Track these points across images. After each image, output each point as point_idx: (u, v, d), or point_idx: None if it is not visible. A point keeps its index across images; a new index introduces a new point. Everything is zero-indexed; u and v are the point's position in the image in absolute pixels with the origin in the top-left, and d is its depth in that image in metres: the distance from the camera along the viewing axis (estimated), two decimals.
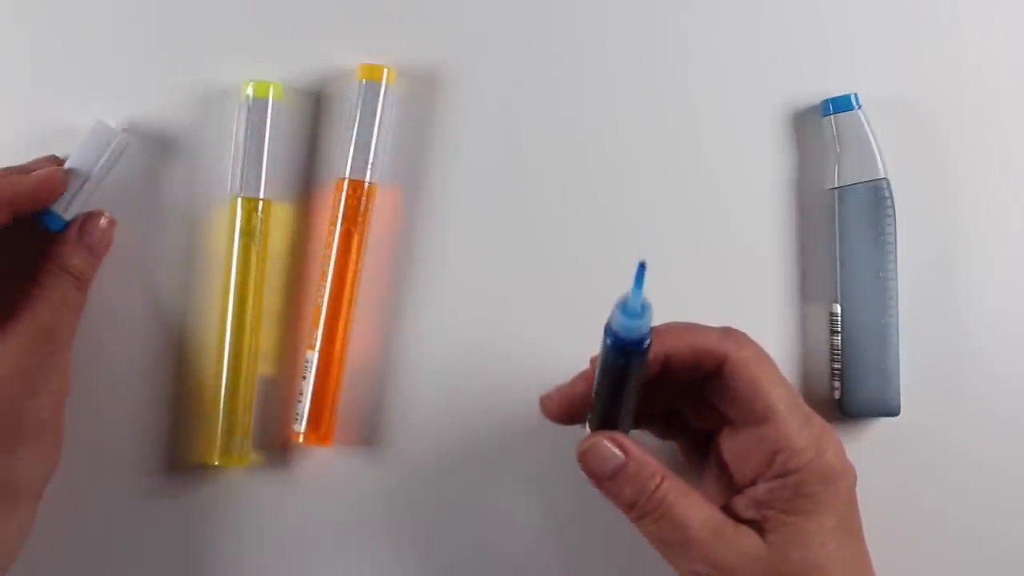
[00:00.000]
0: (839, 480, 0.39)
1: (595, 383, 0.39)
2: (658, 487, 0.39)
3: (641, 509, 0.39)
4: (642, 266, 0.34)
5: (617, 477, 0.39)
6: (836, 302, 0.48)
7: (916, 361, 0.48)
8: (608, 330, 0.36)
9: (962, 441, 0.49)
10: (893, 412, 0.48)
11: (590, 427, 0.41)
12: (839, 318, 0.48)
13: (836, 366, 0.48)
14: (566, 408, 0.42)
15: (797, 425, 0.40)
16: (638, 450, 0.40)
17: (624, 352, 0.36)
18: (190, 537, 0.47)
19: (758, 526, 0.39)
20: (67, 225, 0.45)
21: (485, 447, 0.48)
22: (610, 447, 0.39)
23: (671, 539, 0.39)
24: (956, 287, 0.49)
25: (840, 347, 0.48)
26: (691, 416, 0.44)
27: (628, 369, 0.37)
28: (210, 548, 0.47)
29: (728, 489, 0.41)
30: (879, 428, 0.49)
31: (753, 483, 0.40)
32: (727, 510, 0.40)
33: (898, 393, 0.48)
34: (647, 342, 0.36)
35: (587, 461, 0.40)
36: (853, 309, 0.48)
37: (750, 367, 0.40)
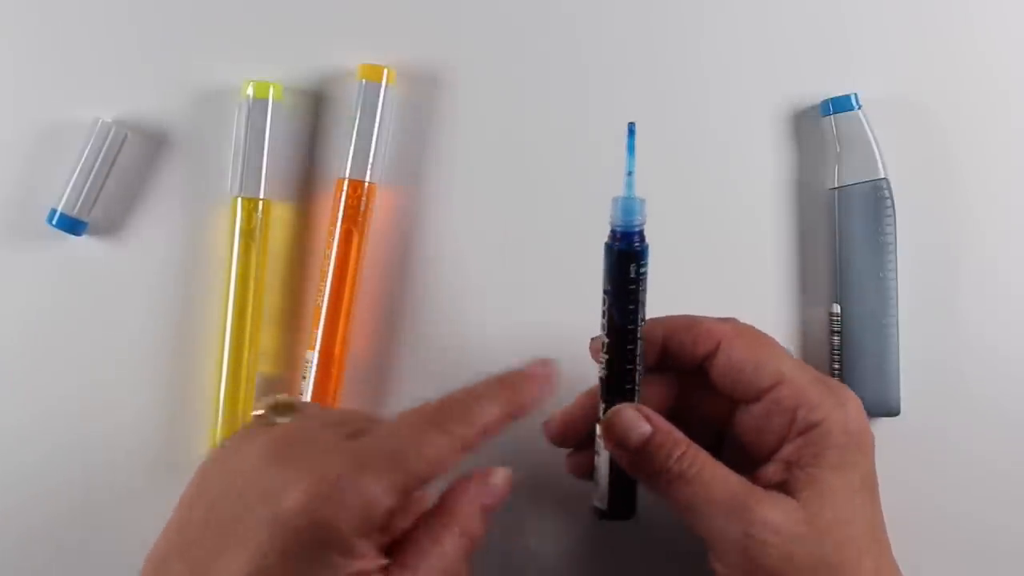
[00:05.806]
0: (863, 436, 0.39)
1: (604, 338, 0.39)
2: (685, 452, 0.38)
3: (671, 473, 0.38)
4: (632, 126, 0.36)
5: (644, 448, 0.38)
6: (836, 302, 0.48)
7: (916, 361, 0.48)
8: (610, 236, 0.39)
9: (962, 441, 0.49)
10: (893, 412, 0.48)
11: (602, 399, 0.40)
12: (839, 318, 0.48)
13: (836, 366, 0.48)
14: (566, 429, 0.43)
15: (810, 381, 0.40)
16: (663, 421, 0.39)
17: (626, 238, 0.38)
18: None
19: (787, 487, 0.38)
20: (86, 227, 0.46)
21: (483, 447, 0.48)
22: (636, 416, 0.39)
23: (706, 498, 0.38)
24: (956, 287, 0.49)
25: (840, 347, 0.48)
26: (699, 408, 0.43)
27: (635, 266, 0.38)
28: None
29: (750, 470, 0.40)
30: (879, 428, 0.48)
31: (778, 451, 0.39)
32: (753, 482, 0.39)
33: (898, 393, 0.48)
34: (642, 225, 0.38)
35: (612, 430, 0.39)
36: (853, 309, 0.48)
37: (749, 340, 0.41)
